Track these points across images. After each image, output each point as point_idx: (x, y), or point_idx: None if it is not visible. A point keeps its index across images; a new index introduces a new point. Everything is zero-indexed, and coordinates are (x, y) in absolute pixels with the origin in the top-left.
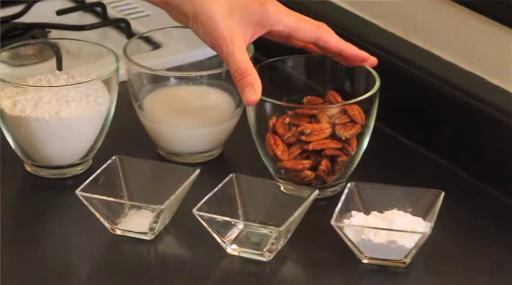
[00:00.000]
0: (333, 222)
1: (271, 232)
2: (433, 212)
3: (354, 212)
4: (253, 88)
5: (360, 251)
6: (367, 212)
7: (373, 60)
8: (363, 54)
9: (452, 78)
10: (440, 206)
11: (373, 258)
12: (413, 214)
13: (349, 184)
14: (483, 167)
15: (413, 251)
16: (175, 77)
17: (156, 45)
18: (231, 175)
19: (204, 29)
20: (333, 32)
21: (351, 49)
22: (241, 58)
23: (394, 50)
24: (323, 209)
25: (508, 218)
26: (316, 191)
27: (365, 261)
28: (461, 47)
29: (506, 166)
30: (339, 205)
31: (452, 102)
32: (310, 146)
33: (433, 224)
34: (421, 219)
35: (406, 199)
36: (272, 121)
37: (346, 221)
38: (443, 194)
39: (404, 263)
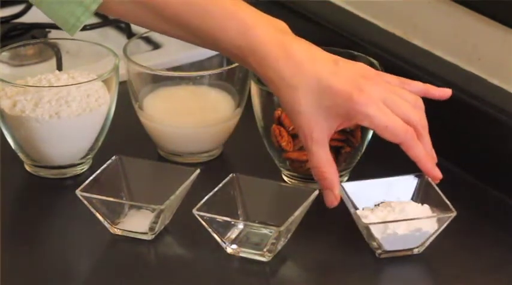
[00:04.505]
0: (365, 221)
1: (271, 232)
2: (435, 193)
3: (359, 211)
4: (332, 192)
5: (380, 247)
6: (367, 209)
7: (439, 176)
8: (434, 173)
9: (452, 78)
10: (436, 186)
11: (388, 251)
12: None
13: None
14: (483, 167)
15: (434, 236)
16: (175, 77)
17: (156, 45)
18: (231, 175)
19: (288, 113)
20: (416, 140)
21: (425, 165)
22: (319, 157)
23: (394, 50)
24: (323, 208)
25: (508, 218)
26: (316, 192)
27: (381, 256)
28: (461, 47)
29: (506, 166)
30: (349, 205)
31: (452, 102)
32: None
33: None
34: (418, 203)
35: (394, 189)
36: (278, 112)
37: (370, 217)
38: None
39: (418, 251)
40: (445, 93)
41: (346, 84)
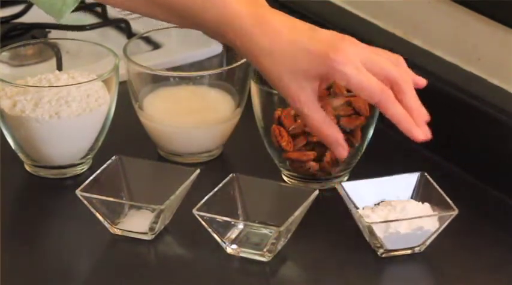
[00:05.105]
0: (367, 221)
1: (271, 232)
2: (435, 192)
3: (360, 211)
4: (339, 144)
5: (382, 246)
6: (367, 209)
7: (420, 137)
8: (413, 133)
9: (452, 78)
10: (436, 184)
11: (389, 250)
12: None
13: (336, 186)
14: (483, 167)
15: (435, 234)
16: (175, 77)
17: (156, 45)
18: (231, 175)
19: (271, 82)
20: (394, 100)
21: (403, 125)
22: (313, 118)
23: (394, 50)
24: (323, 208)
25: (508, 218)
26: (316, 192)
27: (383, 255)
28: (461, 47)
29: (506, 166)
30: (350, 205)
31: (452, 102)
32: (315, 138)
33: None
34: (418, 202)
35: (394, 188)
36: (278, 112)
37: (372, 217)
38: (425, 173)
39: (419, 249)
40: (419, 81)
41: (323, 45)
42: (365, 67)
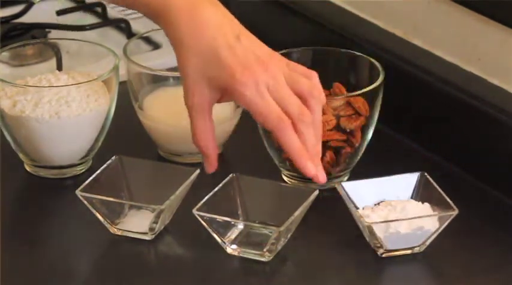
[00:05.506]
0: (367, 221)
1: (271, 232)
2: (435, 192)
3: (360, 211)
4: (208, 160)
5: (382, 246)
6: (367, 209)
7: (312, 172)
8: (306, 170)
9: (452, 78)
10: (436, 184)
11: (389, 250)
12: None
13: (336, 186)
14: (483, 167)
15: (435, 234)
16: (175, 77)
17: (156, 45)
18: (231, 175)
19: (181, 76)
20: (290, 132)
21: (294, 159)
22: (195, 123)
23: (394, 50)
24: (323, 208)
25: (508, 218)
26: (316, 192)
27: (383, 255)
28: (461, 47)
29: (506, 166)
30: (350, 205)
31: (452, 102)
32: None
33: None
34: (418, 202)
35: (394, 188)
36: None
37: (372, 217)
38: (425, 173)
39: (418, 249)
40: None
41: (235, 60)
42: (269, 92)
